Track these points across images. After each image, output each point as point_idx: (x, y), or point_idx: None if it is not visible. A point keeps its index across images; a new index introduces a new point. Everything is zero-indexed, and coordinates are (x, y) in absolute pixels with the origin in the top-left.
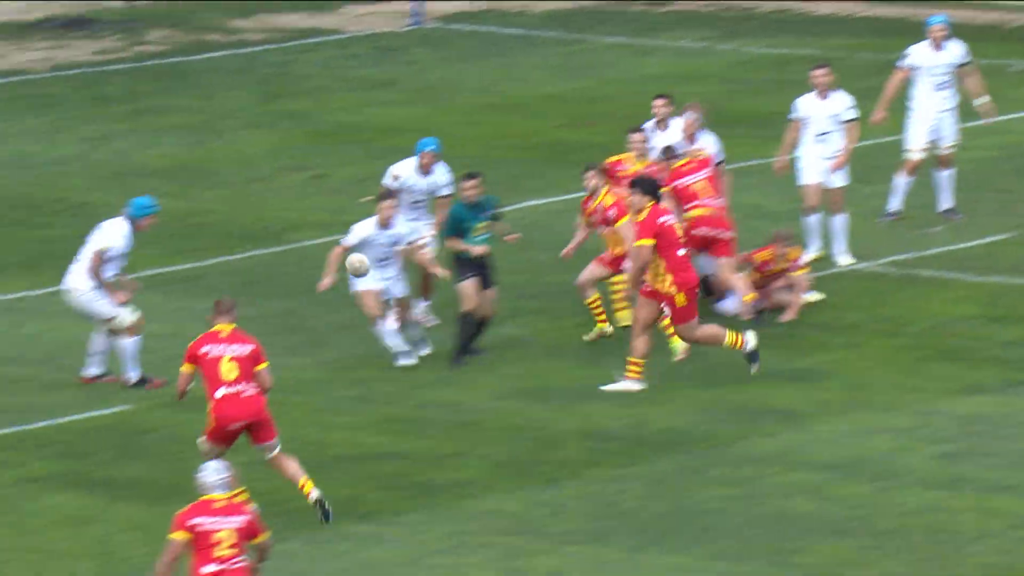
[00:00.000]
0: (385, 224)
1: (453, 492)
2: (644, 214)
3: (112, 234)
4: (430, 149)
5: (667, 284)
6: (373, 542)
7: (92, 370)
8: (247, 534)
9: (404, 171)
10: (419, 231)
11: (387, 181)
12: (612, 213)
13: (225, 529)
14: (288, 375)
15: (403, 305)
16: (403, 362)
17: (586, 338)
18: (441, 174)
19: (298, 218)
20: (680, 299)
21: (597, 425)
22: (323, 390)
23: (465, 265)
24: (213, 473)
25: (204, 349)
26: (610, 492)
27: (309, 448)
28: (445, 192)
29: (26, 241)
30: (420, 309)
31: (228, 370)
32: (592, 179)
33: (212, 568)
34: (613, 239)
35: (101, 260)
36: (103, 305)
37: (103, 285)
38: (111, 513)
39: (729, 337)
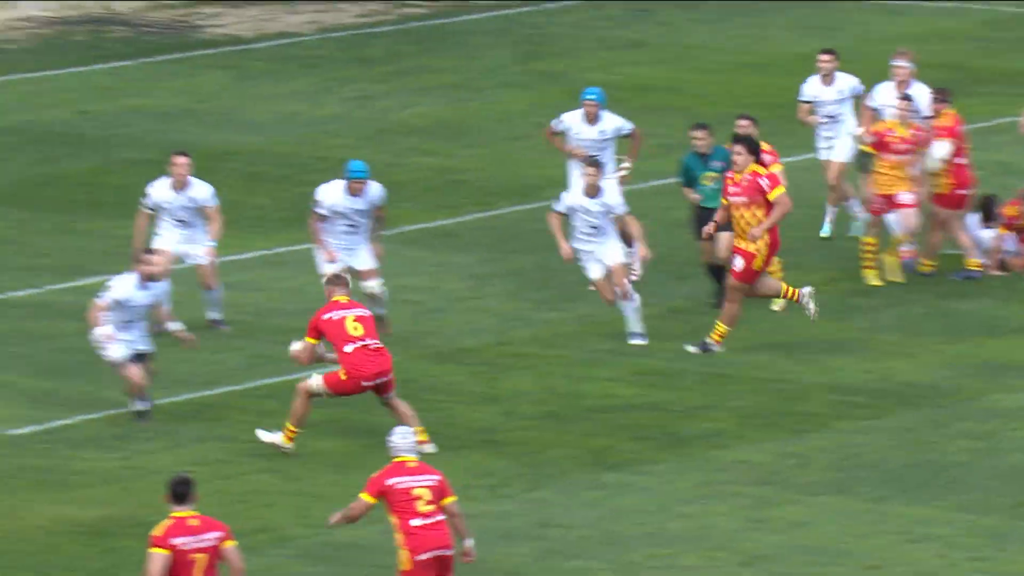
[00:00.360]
0: (592, 193)
1: (703, 442)
2: (762, 169)
3: (325, 192)
4: (591, 98)
5: (759, 242)
6: (625, 490)
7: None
8: (440, 493)
9: (571, 120)
10: (619, 203)
11: (554, 123)
12: (766, 158)
13: (421, 487)
14: (543, 329)
15: (619, 273)
16: (635, 342)
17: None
18: (609, 120)
19: (553, 175)
20: (759, 261)
21: (843, 378)
22: (578, 343)
23: (698, 215)
24: (403, 437)
25: (327, 316)
26: (856, 444)
27: (564, 399)
28: (627, 129)
29: (292, 197)
30: (630, 253)
31: (354, 327)
32: (747, 128)
33: (419, 522)
34: None
35: (314, 215)
36: (318, 258)
37: (315, 238)
38: (372, 459)
39: (722, 327)
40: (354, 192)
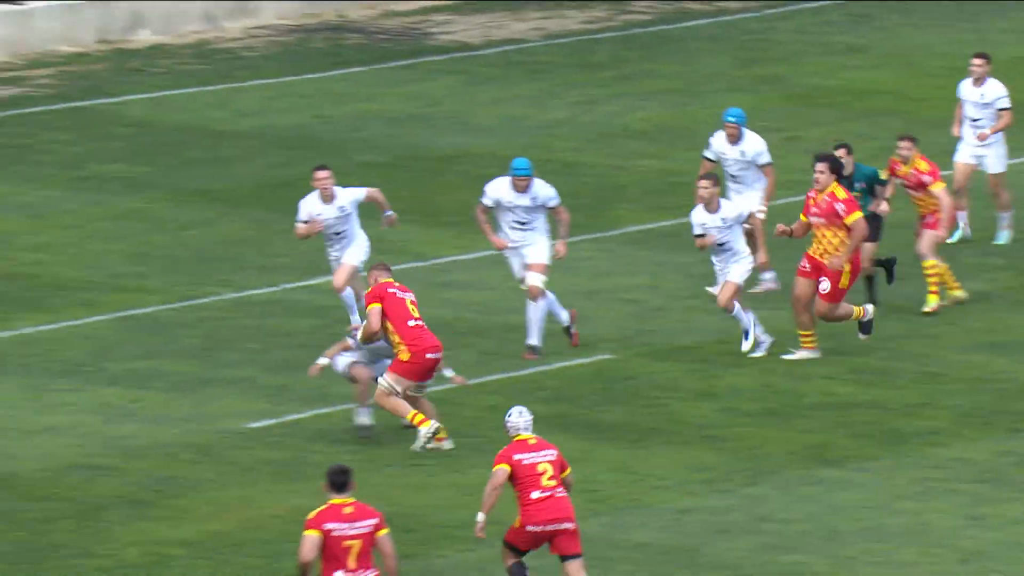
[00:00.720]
0: (710, 208)
1: (920, 440)
2: (841, 193)
3: (493, 186)
4: (732, 120)
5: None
6: (842, 486)
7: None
8: (560, 466)
9: (716, 141)
10: (745, 212)
11: (705, 152)
12: (927, 179)
13: (543, 462)
14: (762, 327)
15: (725, 292)
16: (745, 348)
17: (945, 302)
18: (751, 143)
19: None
20: (845, 280)
21: None
22: (795, 341)
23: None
24: (519, 416)
25: (391, 290)
26: None
27: (782, 396)
28: (763, 160)
29: None
30: (767, 278)
31: (411, 307)
32: (908, 149)
33: (538, 494)
34: (923, 202)
35: (479, 205)
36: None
37: (478, 226)
38: (595, 454)
39: (856, 311)
40: (518, 189)
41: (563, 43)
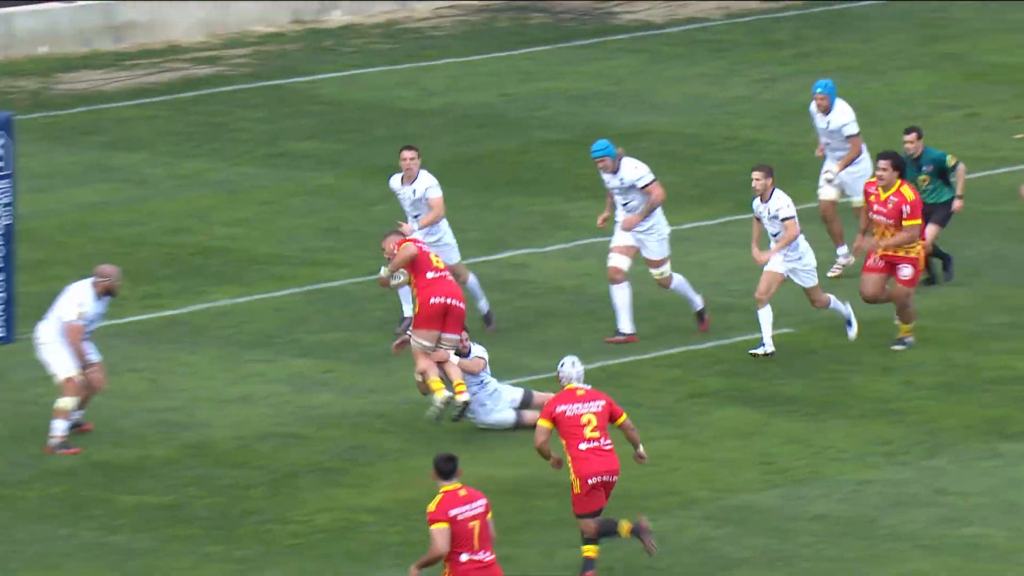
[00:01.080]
0: (763, 197)
1: None
2: (909, 194)
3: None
4: (820, 91)
5: (918, 251)
6: (1020, 460)
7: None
8: (608, 416)
9: (813, 109)
10: (783, 208)
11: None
12: None
13: (588, 413)
14: (941, 302)
15: (813, 296)
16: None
17: None
18: (839, 115)
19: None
20: (921, 264)
21: None
22: (975, 317)
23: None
24: (572, 366)
25: (419, 244)
26: None
27: (961, 371)
28: (848, 132)
29: (700, 176)
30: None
31: (436, 259)
32: None
33: (585, 446)
34: None
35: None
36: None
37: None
38: (772, 427)
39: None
40: (603, 170)
41: (745, 21)
